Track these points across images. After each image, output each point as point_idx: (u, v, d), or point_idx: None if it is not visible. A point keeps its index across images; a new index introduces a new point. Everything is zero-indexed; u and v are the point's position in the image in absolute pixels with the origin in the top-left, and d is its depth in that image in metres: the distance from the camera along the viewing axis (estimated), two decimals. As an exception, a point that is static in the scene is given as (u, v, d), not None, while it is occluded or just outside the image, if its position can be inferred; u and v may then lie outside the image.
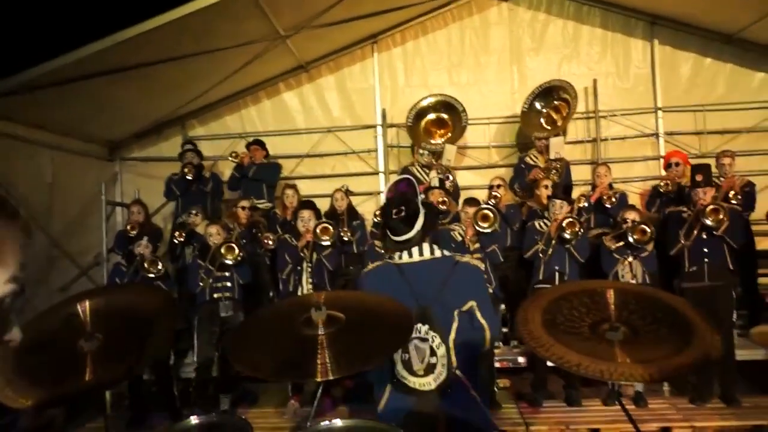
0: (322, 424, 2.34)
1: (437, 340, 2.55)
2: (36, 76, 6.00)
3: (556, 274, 5.75)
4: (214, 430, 2.57)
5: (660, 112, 8.06)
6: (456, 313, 2.58)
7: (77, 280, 7.09)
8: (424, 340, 2.57)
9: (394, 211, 2.75)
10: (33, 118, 6.76)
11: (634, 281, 5.48)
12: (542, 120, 7.79)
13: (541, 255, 5.80)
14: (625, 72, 8.25)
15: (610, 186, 6.85)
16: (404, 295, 2.58)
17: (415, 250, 2.74)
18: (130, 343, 2.46)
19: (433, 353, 2.56)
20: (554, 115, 7.76)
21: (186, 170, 7.31)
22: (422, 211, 2.78)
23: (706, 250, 5.54)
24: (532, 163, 7.40)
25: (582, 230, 5.78)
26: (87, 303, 2.59)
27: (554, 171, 7.15)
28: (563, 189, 6.86)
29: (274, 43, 7.19)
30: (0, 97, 6.06)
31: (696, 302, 2.73)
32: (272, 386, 6.44)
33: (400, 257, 2.76)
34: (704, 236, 5.52)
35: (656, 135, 8.03)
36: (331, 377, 2.08)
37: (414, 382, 2.58)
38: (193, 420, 2.55)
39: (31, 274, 6.61)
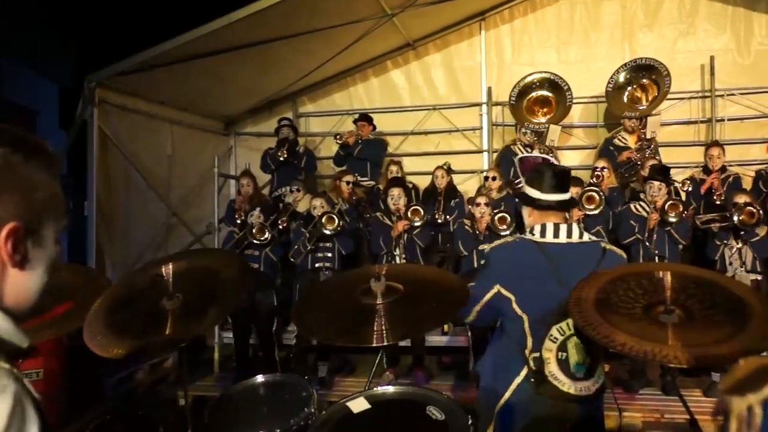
0: (374, 389, 2.47)
1: None
2: (157, 54, 6.32)
3: (656, 258, 5.47)
4: (277, 387, 2.81)
5: (786, 91, 7.41)
6: None
7: (191, 246, 7.48)
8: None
9: (559, 169, 2.57)
10: (155, 94, 7.18)
11: (743, 269, 5.18)
12: (625, 98, 7.31)
13: (640, 245, 5.53)
14: (746, 48, 7.67)
15: (724, 168, 6.44)
16: (545, 279, 2.36)
17: (563, 229, 2.45)
18: (204, 304, 2.60)
19: (590, 353, 2.26)
20: (638, 93, 7.30)
21: (279, 145, 7.53)
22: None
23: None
24: (621, 144, 7.10)
25: (685, 211, 5.50)
26: (171, 265, 2.76)
27: (648, 151, 6.83)
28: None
29: (381, 21, 7.21)
30: (125, 74, 6.47)
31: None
32: (371, 358, 6.57)
33: (543, 235, 2.45)
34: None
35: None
36: (385, 343, 2.17)
37: (569, 386, 2.29)
38: (259, 378, 2.83)
39: (151, 240, 7.14)
